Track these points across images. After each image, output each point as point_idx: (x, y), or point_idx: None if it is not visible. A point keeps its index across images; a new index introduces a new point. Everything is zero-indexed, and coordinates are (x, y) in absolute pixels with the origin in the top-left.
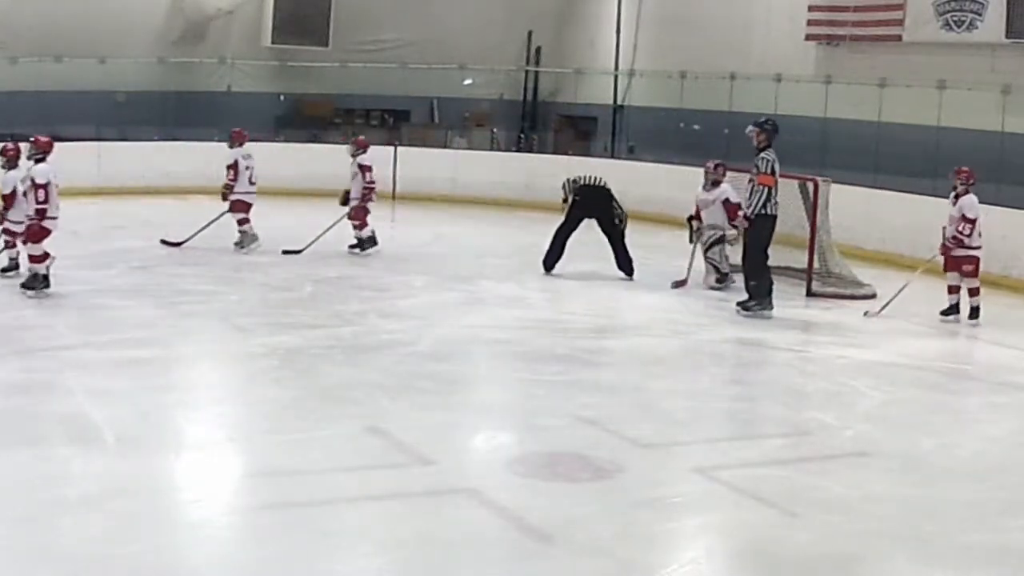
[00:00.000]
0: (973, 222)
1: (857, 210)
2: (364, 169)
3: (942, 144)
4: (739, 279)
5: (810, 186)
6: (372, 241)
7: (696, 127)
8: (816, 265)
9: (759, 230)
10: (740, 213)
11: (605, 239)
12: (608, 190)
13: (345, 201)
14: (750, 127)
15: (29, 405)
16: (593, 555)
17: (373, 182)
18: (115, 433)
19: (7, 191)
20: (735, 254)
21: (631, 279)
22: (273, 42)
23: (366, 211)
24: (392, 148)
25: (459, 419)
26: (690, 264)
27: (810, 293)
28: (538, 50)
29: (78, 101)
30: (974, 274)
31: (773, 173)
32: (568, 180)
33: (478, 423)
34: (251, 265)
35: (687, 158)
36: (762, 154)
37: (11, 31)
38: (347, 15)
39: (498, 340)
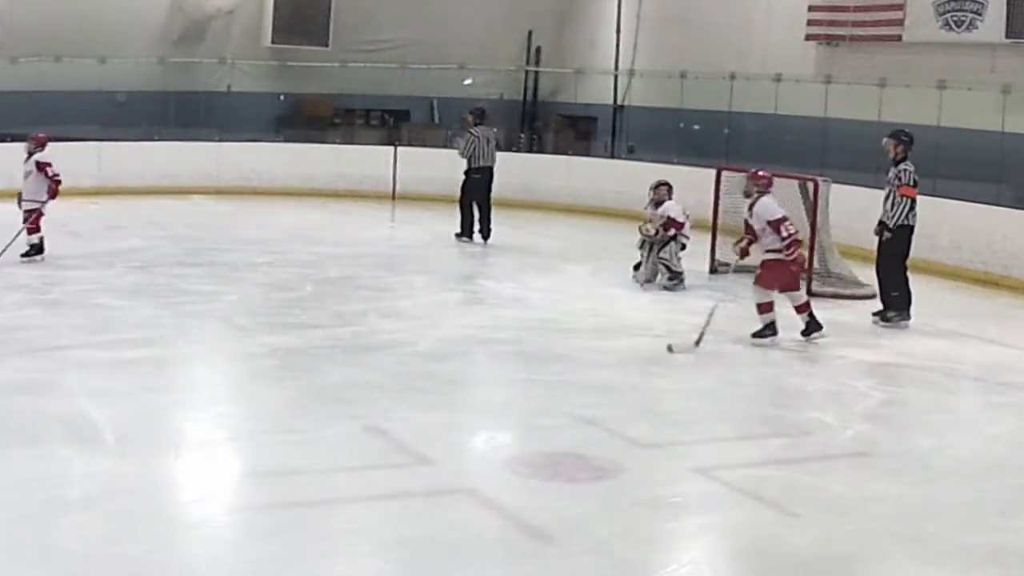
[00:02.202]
0: (784, 220)
1: (857, 210)
2: (43, 166)
3: (942, 144)
4: (698, 280)
5: (810, 186)
6: (38, 250)
7: (696, 127)
8: (816, 265)
9: (900, 241)
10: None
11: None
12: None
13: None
14: (886, 139)
15: (29, 405)
16: (593, 555)
17: (57, 175)
18: (115, 433)
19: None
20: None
21: (486, 244)
22: (273, 42)
23: (40, 215)
24: (392, 148)
25: (459, 419)
26: (645, 266)
27: (810, 293)
28: (538, 50)
29: (78, 101)
30: (793, 286)
31: (915, 184)
32: (466, 136)
33: (478, 423)
34: (251, 265)
35: (687, 158)
36: (902, 165)
37: (11, 31)
38: (347, 15)
39: (498, 340)
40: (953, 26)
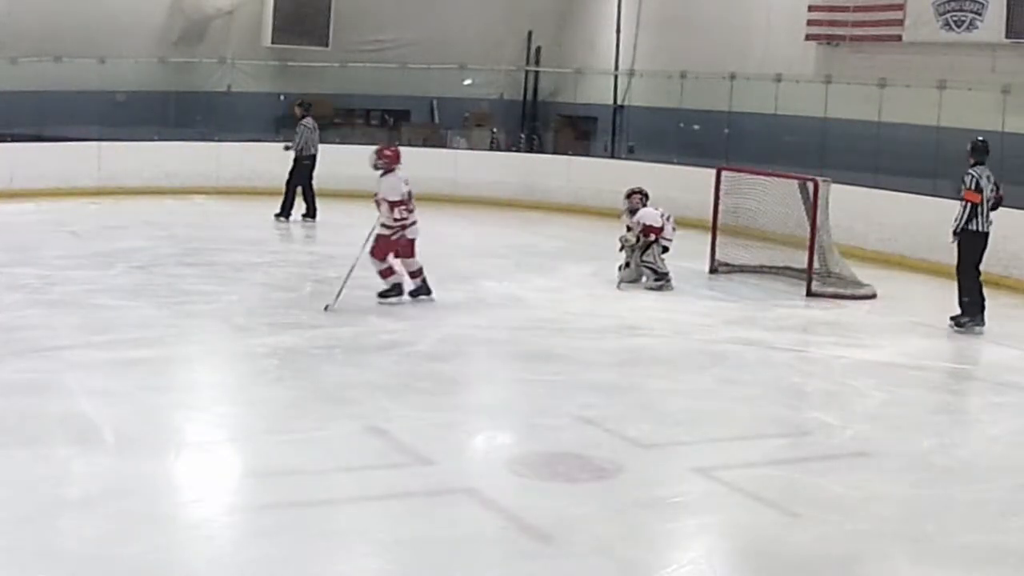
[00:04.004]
0: (400, 204)
1: (857, 210)
2: None
3: (942, 144)
4: (678, 281)
5: (810, 186)
6: None
7: (696, 127)
8: (816, 265)
9: (968, 246)
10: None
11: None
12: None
13: None
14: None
15: (29, 405)
16: (593, 555)
17: None
18: (115, 433)
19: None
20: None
21: (314, 221)
22: (273, 42)
23: None
24: None
25: (459, 419)
26: (627, 266)
27: (810, 293)
28: (538, 50)
29: (78, 101)
30: (407, 254)
31: (979, 190)
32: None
33: (478, 423)
34: (251, 265)
35: (687, 158)
36: (970, 170)
37: (11, 31)
38: (347, 15)
39: (498, 340)
40: (953, 26)
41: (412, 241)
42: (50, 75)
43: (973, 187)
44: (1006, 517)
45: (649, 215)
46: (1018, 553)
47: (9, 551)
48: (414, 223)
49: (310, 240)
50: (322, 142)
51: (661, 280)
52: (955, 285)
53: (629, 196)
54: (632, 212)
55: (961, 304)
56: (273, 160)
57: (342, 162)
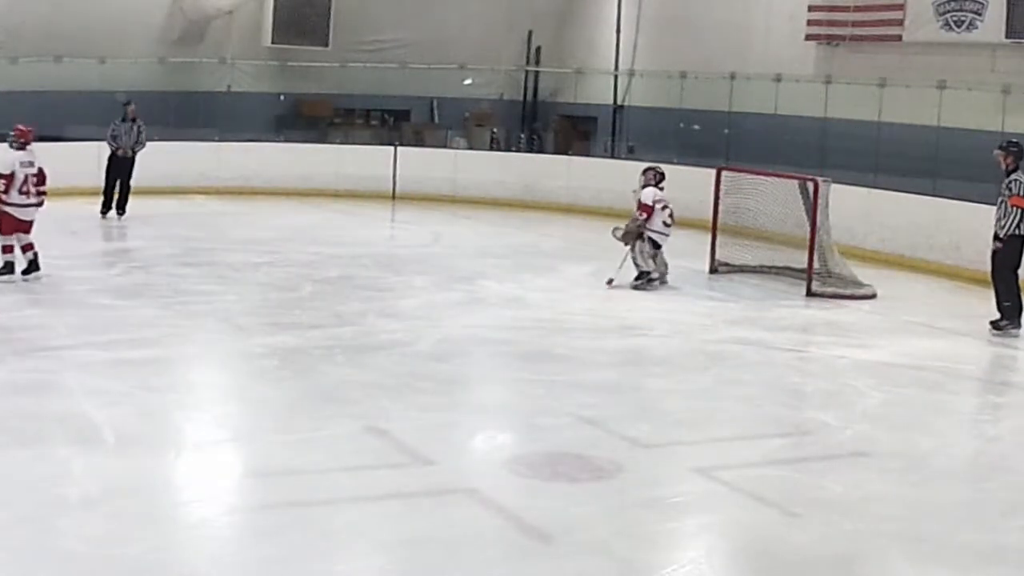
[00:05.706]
0: (1, 177)
1: (857, 210)
2: None
3: (942, 144)
4: (671, 280)
5: (810, 186)
6: None
7: (696, 127)
8: (816, 265)
9: (1012, 250)
10: (995, 233)
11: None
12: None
13: None
14: (996, 151)
15: (29, 405)
16: (593, 555)
17: None
18: (115, 433)
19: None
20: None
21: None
22: (273, 42)
23: None
24: (392, 148)
25: (459, 419)
26: (621, 264)
27: (810, 293)
28: (538, 50)
29: (78, 101)
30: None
31: None
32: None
33: (478, 423)
34: (251, 265)
35: (687, 158)
36: (1014, 175)
37: (11, 31)
38: (347, 15)
39: (498, 340)
40: (953, 26)
41: (31, 222)
42: (50, 75)
43: (1021, 192)
44: (1006, 517)
45: (647, 194)
46: (1017, 553)
47: (9, 551)
48: (37, 205)
49: (305, 240)
50: (323, 142)
51: (641, 279)
52: (955, 286)
53: (644, 172)
54: (645, 187)
55: (1000, 308)
56: (272, 160)
57: (344, 162)
